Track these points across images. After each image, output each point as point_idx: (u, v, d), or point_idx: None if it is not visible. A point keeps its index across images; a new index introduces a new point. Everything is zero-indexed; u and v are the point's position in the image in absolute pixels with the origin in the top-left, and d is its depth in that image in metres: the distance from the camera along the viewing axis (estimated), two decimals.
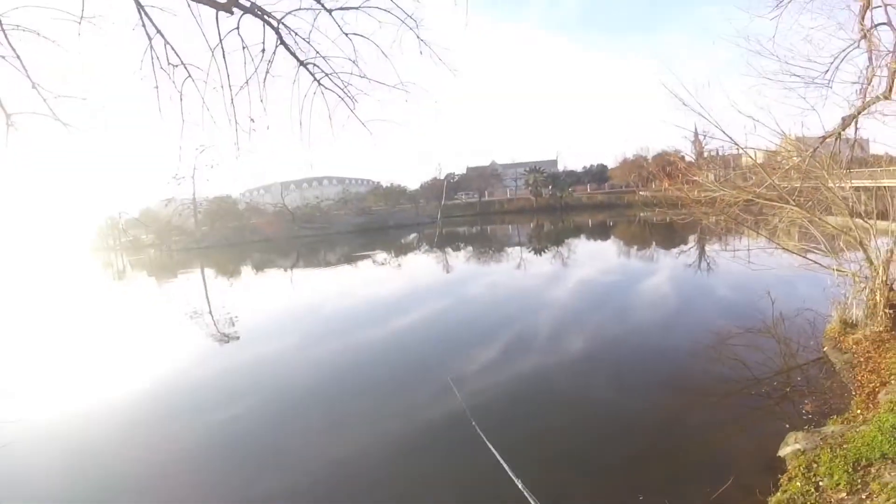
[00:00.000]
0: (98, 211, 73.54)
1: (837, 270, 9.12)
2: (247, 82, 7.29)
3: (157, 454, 7.40)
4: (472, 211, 75.64)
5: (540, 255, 28.82)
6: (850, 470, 4.63)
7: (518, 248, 32.66)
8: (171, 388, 10.39)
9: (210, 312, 18.55)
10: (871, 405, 6.21)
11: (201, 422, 8.47)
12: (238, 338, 14.46)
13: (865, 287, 8.66)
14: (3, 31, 4.62)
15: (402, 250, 38.97)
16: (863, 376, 7.06)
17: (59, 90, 5.32)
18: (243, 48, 6.97)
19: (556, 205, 69.06)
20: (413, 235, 51.66)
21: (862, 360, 7.47)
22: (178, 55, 6.47)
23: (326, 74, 7.55)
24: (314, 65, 7.48)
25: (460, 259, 29.87)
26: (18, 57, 4.92)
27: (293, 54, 7.29)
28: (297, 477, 6.48)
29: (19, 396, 10.17)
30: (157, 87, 6.55)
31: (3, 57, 4.81)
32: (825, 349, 8.39)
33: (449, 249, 35.30)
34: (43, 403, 9.82)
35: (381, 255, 34.42)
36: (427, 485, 6.13)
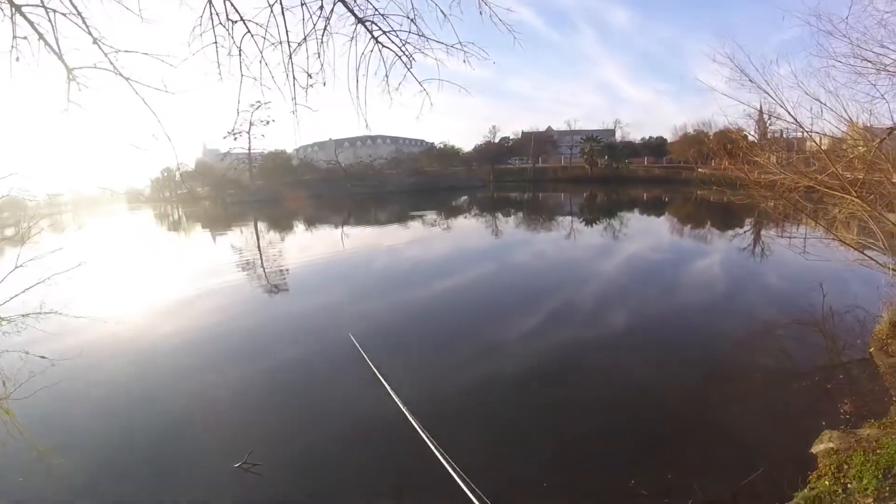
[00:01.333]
0: (156, 162, 75.77)
1: (893, 270, 8.79)
2: (304, 39, 7.43)
3: (206, 398, 7.85)
4: (525, 177, 74.76)
5: (591, 226, 28.55)
6: (881, 476, 4.58)
7: (569, 218, 32.37)
8: (222, 336, 10.91)
9: (262, 265, 19.18)
10: None
11: (249, 369, 8.92)
12: (287, 290, 15.00)
13: None
14: None
15: (452, 213, 39.09)
16: None
17: (120, 45, 5.53)
18: (302, 4, 7.08)
19: (612, 176, 67.55)
20: (464, 198, 51.70)
21: None
22: (237, 10, 6.63)
23: (384, 32, 7.57)
24: (372, 22, 7.52)
25: (510, 225, 29.85)
26: (79, 13, 5.12)
27: (351, 11, 7.34)
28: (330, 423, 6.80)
29: (78, 335, 10.77)
30: (216, 43, 6.75)
31: (65, 14, 5.02)
32: (871, 350, 8.16)
33: (499, 214, 35.26)
34: (99, 346, 10.45)
35: (431, 216, 34.62)
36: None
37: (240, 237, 30.60)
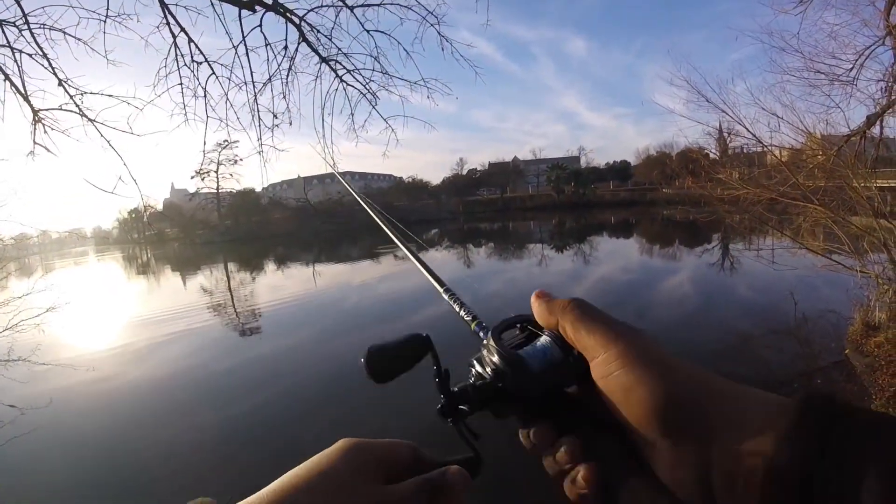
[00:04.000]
0: (122, 205, 74.99)
1: (861, 272, 8.97)
2: (270, 79, 7.42)
3: (180, 444, 7.58)
4: (494, 207, 75.56)
5: (561, 252, 28.72)
6: None
7: (539, 246, 32.59)
8: (192, 381, 10.60)
9: (233, 306, 18.85)
10: (891, 408, 6.14)
11: (222, 414, 8.64)
12: (259, 331, 14.71)
13: (889, 289, 8.52)
14: (31, 30, 4.74)
15: (423, 245, 39.02)
16: (883, 380, 6.96)
17: (85, 87, 5.44)
18: (266, 45, 7.09)
19: (579, 202, 68.81)
20: (434, 231, 51.81)
21: (883, 363, 7.35)
22: (202, 52, 6.59)
23: (348, 71, 7.65)
24: (336, 61, 7.58)
25: (481, 255, 29.90)
26: (45, 55, 5.05)
27: (315, 51, 7.40)
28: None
29: (47, 383, 10.41)
30: (181, 85, 6.69)
31: (31, 55, 4.95)
32: (847, 352, 8.27)
33: (470, 245, 35.36)
34: (70, 393, 10.07)
35: (401, 251, 34.51)
36: None
37: (210, 278, 30.10)
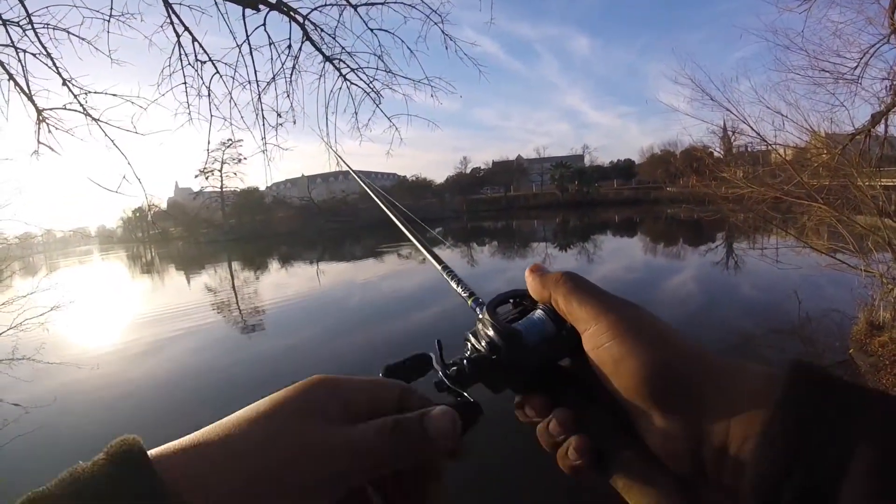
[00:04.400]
0: (126, 204, 75.27)
1: (865, 271, 8.93)
2: (273, 78, 7.43)
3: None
4: (498, 206, 75.50)
5: (565, 250, 28.68)
6: None
7: (543, 244, 32.57)
8: (196, 379, 10.63)
9: (237, 305, 18.88)
10: None
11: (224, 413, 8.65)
12: (264, 329, 14.73)
13: (893, 288, 8.49)
14: (34, 30, 4.76)
15: (439, 239, 38.98)
16: (888, 379, 6.93)
17: (89, 86, 5.46)
18: (270, 44, 7.10)
19: (583, 200, 68.60)
20: (438, 229, 51.77)
21: (887, 362, 7.33)
22: (206, 52, 6.61)
23: (352, 70, 7.65)
24: (340, 60, 7.58)
25: (485, 254, 29.90)
26: (49, 55, 5.06)
27: (319, 50, 7.40)
28: None
29: (52, 381, 10.45)
30: (185, 84, 6.71)
31: (35, 55, 4.96)
32: (851, 351, 8.24)
33: (474, 244, 35.34)
34: (74, 391, 10.10)
35: (405, 249, 34.60)
36: None
37: (214, 277, 30.14)
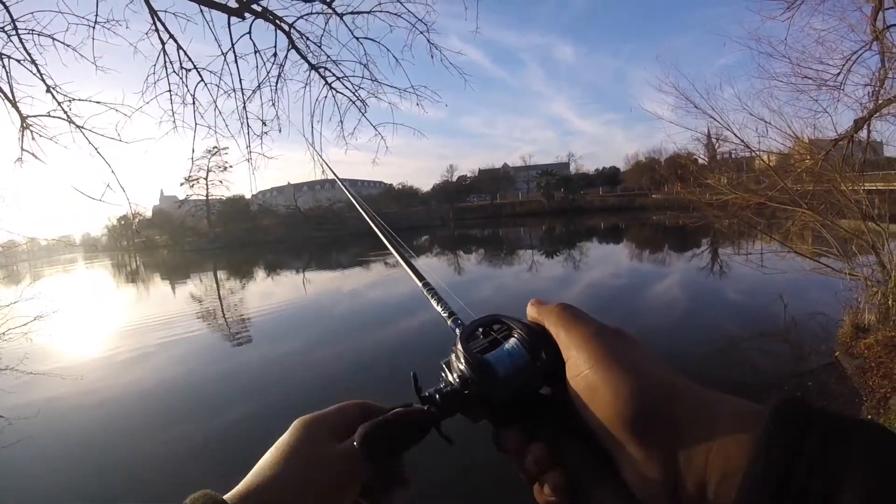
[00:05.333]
0: (111, 212, 74.62)
1: (850, 274, 9.04)
2: (259, 86, 7.39)
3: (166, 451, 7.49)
4: (484, 213, 75.72)
5: (551, 257, 28.79)
6: None
7: (529, 251, 32.65)
8: (181, 390, 10.50)
9: (223, 314, 18.74)
10: (881, 410, 6.16)
11: (210, 423, 8.56)
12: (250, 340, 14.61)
13: (878, 291, 8.58)
14: (19, 36, 4.70)
15: (414, 252, 38.98)
16: (874, 381, 7.00)
17: (73, 93, 5.40)
18: (255, 53, 7.06)
19: (569, 207, 69.11)
20: (425, 237, 51.78)
21: (873, 364, 7.40)
22: (191, 59, 6.56)
23: (338, 78, 7.62)
24: (325, 68, 7.55)
25: (472, 262, 29.91)
26: (34, 62, 5.00)
27: (304, 58, 7.37)
28: None
29: (36, 392, 10.30)
30: (170, 91, 6.65)
31: (19, 61, 4.90)
32: (837, 354, 8.31)
33: (461, 252, 35.35)
34: (58, 403, 9.95)
35: (391, 258, 34.46)
36: None
37: (199, 286, 29.91)
